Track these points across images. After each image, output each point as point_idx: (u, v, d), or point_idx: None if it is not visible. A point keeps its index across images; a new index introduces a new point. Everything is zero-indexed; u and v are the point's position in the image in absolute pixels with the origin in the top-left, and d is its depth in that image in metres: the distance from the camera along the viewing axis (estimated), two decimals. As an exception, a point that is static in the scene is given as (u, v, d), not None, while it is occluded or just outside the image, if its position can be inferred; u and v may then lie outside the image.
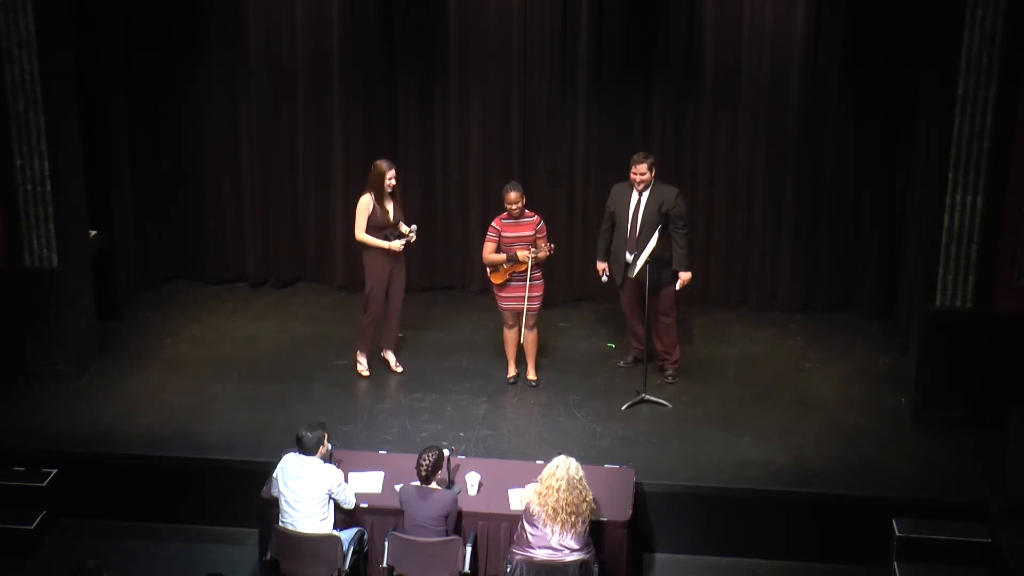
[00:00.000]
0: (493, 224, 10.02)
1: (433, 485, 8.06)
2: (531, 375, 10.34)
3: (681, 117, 11.33)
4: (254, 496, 8.51)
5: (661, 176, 10.17)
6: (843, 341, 11.10)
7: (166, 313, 11.55)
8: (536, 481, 7.86)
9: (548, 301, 10.80)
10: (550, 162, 11.47)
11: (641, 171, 9.91)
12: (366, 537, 8.36)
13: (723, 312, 11.62)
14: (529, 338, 10.21)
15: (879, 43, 10.84)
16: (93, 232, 10.82)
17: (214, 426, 9.68)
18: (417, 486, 8.06)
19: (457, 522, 8.15)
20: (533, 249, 9.88)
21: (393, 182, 10.00)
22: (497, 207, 10.27)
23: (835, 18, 10.85)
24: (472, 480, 8.50)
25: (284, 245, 12.06)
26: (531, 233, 9.93)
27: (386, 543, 8.08)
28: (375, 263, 10.11)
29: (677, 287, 10.04)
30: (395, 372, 10.48)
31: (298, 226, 12.02)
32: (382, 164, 10.01)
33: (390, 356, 10.53)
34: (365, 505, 8.37)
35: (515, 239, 9.92)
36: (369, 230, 9.98)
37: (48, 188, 9.94)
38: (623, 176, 10.09)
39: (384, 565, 8.08)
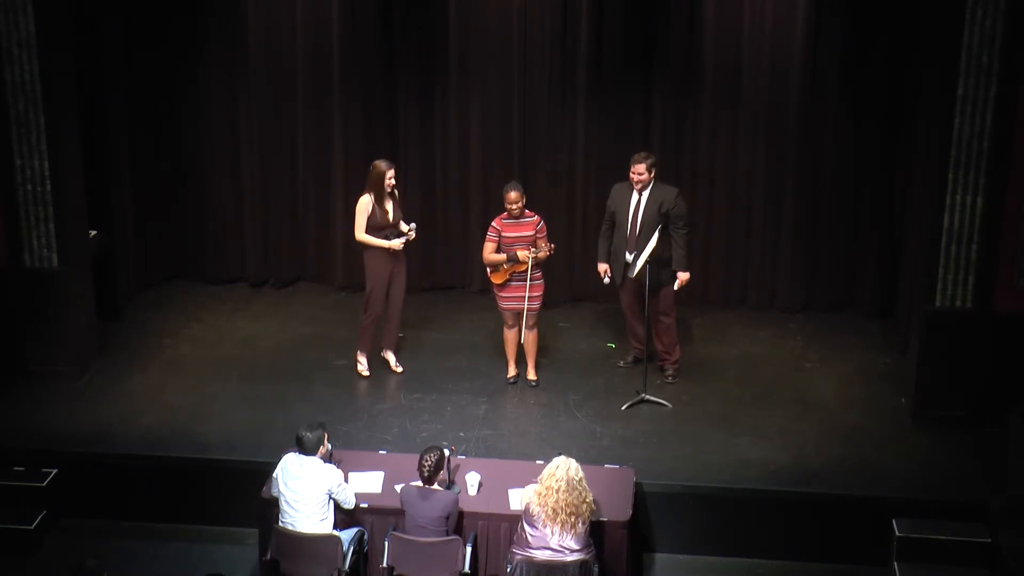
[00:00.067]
0: (493, 224, 10.02)
1: (434, 486, 8.06)
2: (531, 375, 10.34)
3: (681, 117, 11.33)
4: (254, 496, 8.51)
5: (661, 176, 10.17)
6: (843, 341, 11.10)
7: (166, 313, 11.55)
8: (536, 482, 7.86)
9: (548, 301, 10.80)
10: (550, 162, 11.47)
11: (639, 171, 9.91)
12: (366, 537, 8.36)
13: (723, 312, 11.62)
14: (529, 338, 10.21)
15: (879, 43, 10.84)
16: (93, 232, 10.82)
17: (214, 426, 9.68)
18: (419, 487, 8.06)
19: (458, 522, 8.15)
20: (533, 249, 9.88)
21: (392, 182, 10.00)
22: (497, 207, 10.27)
23: (835, 18, 10.85)
24: (472, 480, 8.50)
25: (284, 245, 12.06)
26: (531, 233, 9.93)
27: (386, 543, 8.08)
28: (376, 263, 10.11)
29: (675, 287, 10.04)
30: (395, 372, 10.48)
31: (298, 226, 12.02)
32: (381, 164, 10.01)
33: (390, 356, 10.53)
34: (365, 505, 8.37)
35: (515, 239, 9.92)
36: (369, 230, 9.98)
37: (48, 188, 9.94)
38: (623, 176, 10.09)
39: (384, 565, 8.08)
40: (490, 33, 11.23)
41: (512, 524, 8.09)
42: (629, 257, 10.00)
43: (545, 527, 7.74)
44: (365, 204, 9.98)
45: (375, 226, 9.98)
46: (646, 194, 9.96)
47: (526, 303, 10.00)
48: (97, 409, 9.90)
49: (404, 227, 10.10)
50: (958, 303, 9.51)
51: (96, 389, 10.21)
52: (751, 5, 10.94)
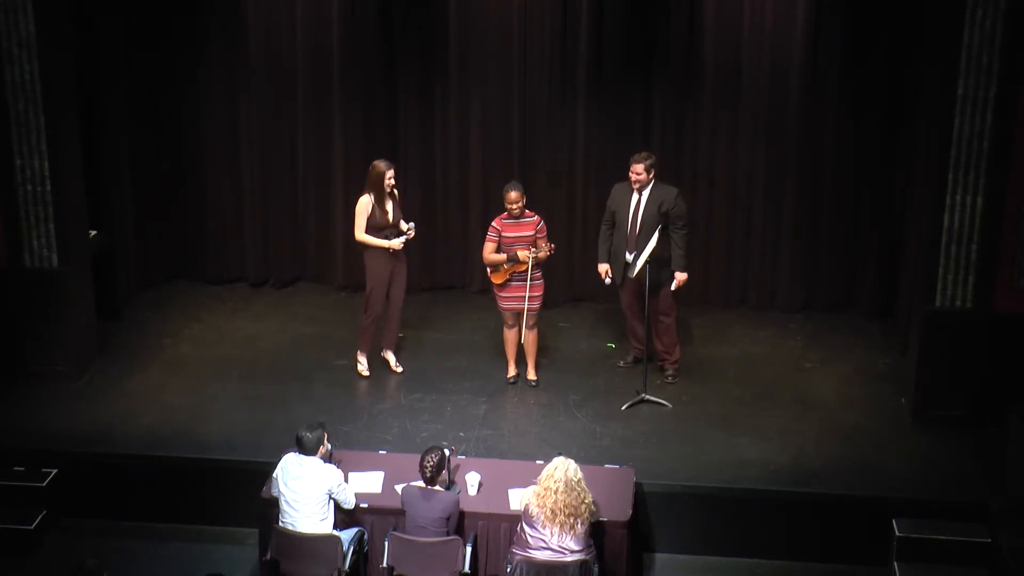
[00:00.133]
0: (493, 224, 10.02)
1: (436, 487, 8.06)
2: (531, 375, 10.34)
3: (681, 117, 11.33)
4: (254, 496, 8.51)
5: (661, 176, 10.17)
6: (843, 341, 11.10)
7: (166, 313, 11.55)
8: (536, 483, 7.85)
9: (548, 301, 10.80)
10: (550, 162, 11.47)
11: (637, 171, 9.91)
12: (366, 537, 8.36)
13: (723, 312, 11.62)
14: (529, 338, 10.21)
15: (879, 43, 10.84)
16: (93, 232, 10.82)
17: (214, 426, 9.68)
18: (421, 487, 8.06)
19: (458, 522, 8.15)
20: (533, 249, 9.88)
21: (392, 182, 9.99)
22: (497, 207, 10.27)
23: (835, 18, 10.85)
24: (472, 480, 8.50)
25: (284, 245, 12.06)
26: (531, 233, 9.93)
27: (386, 543, 8.08)
28: (376, 263, 10.11)
29: (673, 287, 10.04)
30: (395, 372, 10.48)
31: (298, 226, 12.02)
32: (380, 164, 10.00)
33: (390, 356, 10.53)
34: (365, 505, 8.37)
35: (515, 239, 9.92)
36: (369, 230, 9.98)
37: (48, 188, 9.94)
38: (623, 176, 10.09)
39: (384, 565, 8.08)
40: (490, 33, 11.23)
41: (512, 524, 8.09)
42: (629, 257, 10.00)
43: (544, 528, 7.74)
44: (365, 204, 9.97)
45: (375, 226, 9.98)
46: (646, 194, 9.96)
47: (526, 303, 10.00)
48: (97, 409, 9.90)
49: (404, 226, 10.10)
50: (958, 303, 9.51)
51: (96, 389, 10.21)
52: (751, 5, 10.94)
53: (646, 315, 10.04)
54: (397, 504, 8.16)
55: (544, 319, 10.58)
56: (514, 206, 9.86)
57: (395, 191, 10.09)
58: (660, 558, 9.01)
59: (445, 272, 12.07)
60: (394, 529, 8.13)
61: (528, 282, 9.93)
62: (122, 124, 11.26)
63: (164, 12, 11.33)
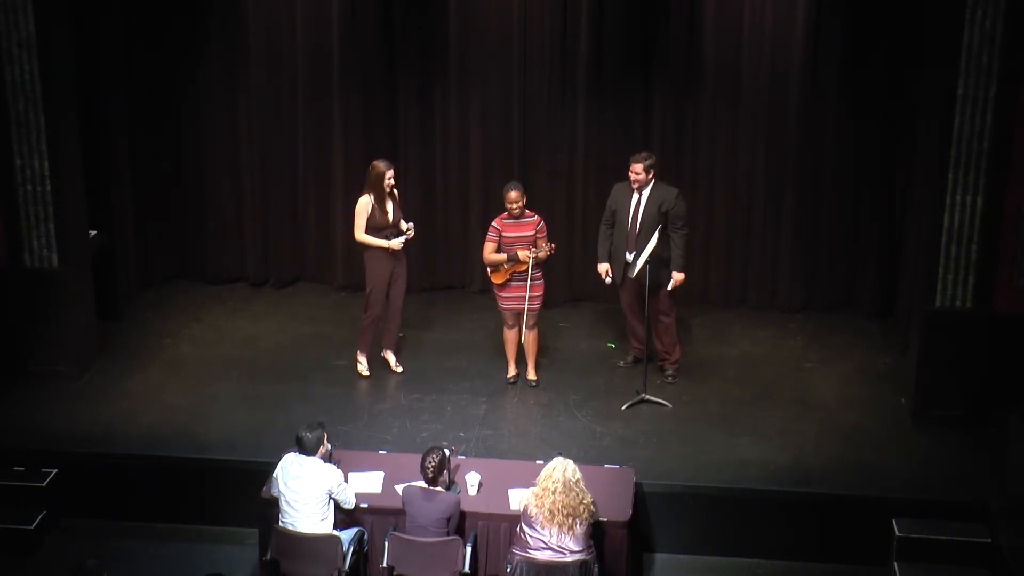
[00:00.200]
0: (493, 224, 10.02)
1: (437, 487, 8.06)
2: (531, 375, 10.34)
3: (681, 117, 11.33)
4: (254, 496, 8.52)
5: (661, 176, 10.17)
6: (843, 341, 11.10)
7: (166, 313, 11.55)
8: (535, 484, 7.85)
9: (548, 301, 10.80)
10: (550, 162, 11.47)
11: (636, 171, 9.91)
12: (366, 537, 8.36)
13: (723, 312, 11.62)
14: (529, 338, 10.21)
15: (879, 43, 10.84)
16: (93, 232, 10.82)
17: (214, 426, 9.68)
18: (422, 488, 8.05)
19: (459, 523, 8.15)
20: (534, 249, 9.88)
21: (392, 182, 9.99)
22: (497, 207, 10.27)
23: (835, 18, 10.85)
24: (472, 480, 8.50)
25: (284, 245, 12.06)
26: (531, 233, 9.93)
27: (386, 543, 8.08)
28: (376, 263, 10.11)
29: (669, 287, 10.03)
30: (395, 372, 10.48)
31: (298, 226, 12.02)
32: (380, 164, 10.00)
33: (390, 356, 10.53)
34: (365, 505, 8.37)
35: (515, 239, 9.92)
36: (369, 230, 9.98)
37: (48, 188, 9.94)
38: (623, 176, 10.09)
39: (384, 565, 8.08)
40: (490, 33, 11.23)
41: (512, 524, 8.09)
42: (629, 257, 10.00)
43: (543, 529, 7.74)
44: (364, 204, 9.97)
45: (375, 226, 9.98)
46: (646, 194, 9.96)
47: (526, 303, 10.00)
48: (97, 409, 9.90)
49: (404, 226, 10.10)
50: (958, 303, 9.51)
51: (96, 389, 10.20)
52: (751, 5, 10.94)
53: (646, 315, 10.04)
54: (397, 504, 8.16)
55: (544, 319, 10.58)
56: (514, 206, 9.86)
57: (395, 191, 10.09)
58: (660, 558, 9.01)
59: (445, 272, 12.07)
60: (394, 529, 8.13)
61: (528, 282, 9.93)
62: (122, 124, 11.26)
63: (164, 12, 11.33)
